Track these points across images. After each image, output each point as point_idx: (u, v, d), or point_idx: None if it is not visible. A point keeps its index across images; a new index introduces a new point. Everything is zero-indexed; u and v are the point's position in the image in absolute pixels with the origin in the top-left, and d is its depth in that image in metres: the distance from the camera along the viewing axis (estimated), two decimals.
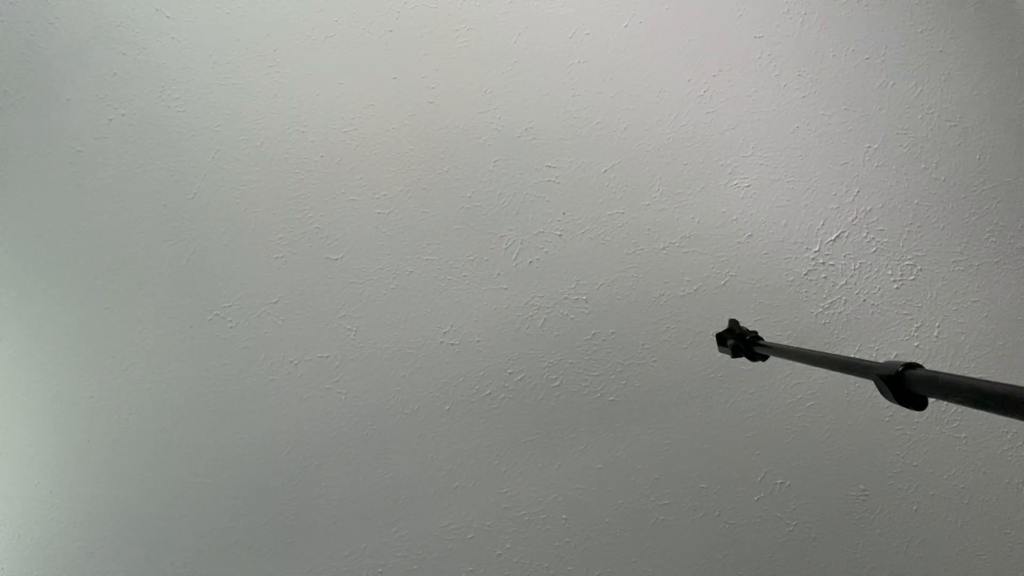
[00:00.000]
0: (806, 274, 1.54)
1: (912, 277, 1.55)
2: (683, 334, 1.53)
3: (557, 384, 1.51)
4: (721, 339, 1.10)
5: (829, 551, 1.49)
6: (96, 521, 1.47)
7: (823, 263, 1.55)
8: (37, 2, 1.54)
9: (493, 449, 1.49)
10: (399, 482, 1.48)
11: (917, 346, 1.53)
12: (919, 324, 1.54)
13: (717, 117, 1.58)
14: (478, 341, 1.52)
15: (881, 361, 0.62)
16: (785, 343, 1.12)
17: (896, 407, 0.61)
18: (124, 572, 1.46)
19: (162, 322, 1.50)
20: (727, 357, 1.10)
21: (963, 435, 1.51)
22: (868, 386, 0.64)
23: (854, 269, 1.55)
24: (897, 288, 1.54)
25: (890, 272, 1.54)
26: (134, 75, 1.54)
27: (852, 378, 1.45)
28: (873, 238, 1.55)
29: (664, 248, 1.55)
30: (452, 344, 1.51)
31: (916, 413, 1.48)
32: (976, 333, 1.54)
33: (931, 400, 0.56)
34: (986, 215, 1.56)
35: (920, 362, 0.58)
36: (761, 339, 1.02)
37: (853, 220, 1.56)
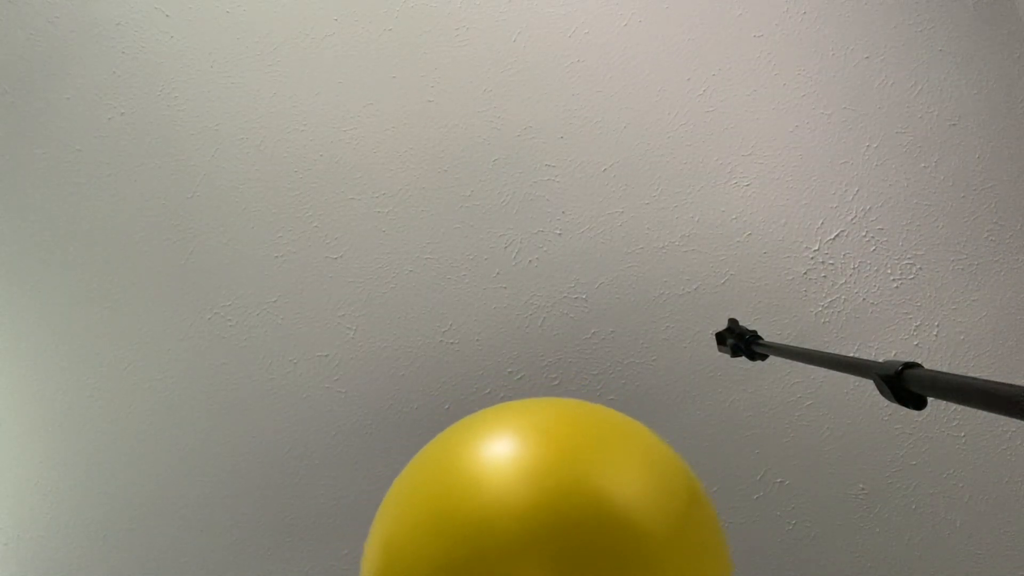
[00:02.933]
0: (805, 273, 1.54)
1: (911, 276, 1.55)
2: (682, 333, 1.53)
3: (557, 383, 1.51)
4: (720, 338, 1.10)
5: (828, 550, 1.49)
6: (95, 520, 1.47)
7: (822, 262, 1.55)
8: (37, 1, 1.54)
9: None
10: None
11: (916, 345, 1.53)
12: (918, 323, 1.54)
13: (716, 116, 1.57)
14: (477, 340, 1.52)
15: (880, 360, 0.62)
16: (785, 342, 1.12)
17: (895, 406, 0.61)
18: (123, 571, 1.46)
19: (161, 321, 1.50)
20: (727, 356, 1.10)
21: (962, 434, 1.51)
22: (868, 386, 0.64)
23: (853, 268, 1.55)
24: (896, 287, 1.54)
25: (889, 271, 1.54)
26: (134, 74, 1.54)
27: (852, 378, 1.45)
28: (872, 237, 1.55)
29: (663, 247, 1.55)
30: (452, 343, 1.51)
31: (915, 412, 1.48)
32: (976, 332, 1.54)
33: (930, 399, 0.56)
34: (986, 215, 1.56)
35: (919, 361, 0.58)
36: (760, 338, 1.02)
37: (852, 219, 1.56)
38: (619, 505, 0.56)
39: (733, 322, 1.10)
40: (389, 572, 0.59)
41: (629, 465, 0.61)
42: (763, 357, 1.02)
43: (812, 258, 1.55)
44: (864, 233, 1.55)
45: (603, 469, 0.59)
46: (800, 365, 1.49)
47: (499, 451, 0.62)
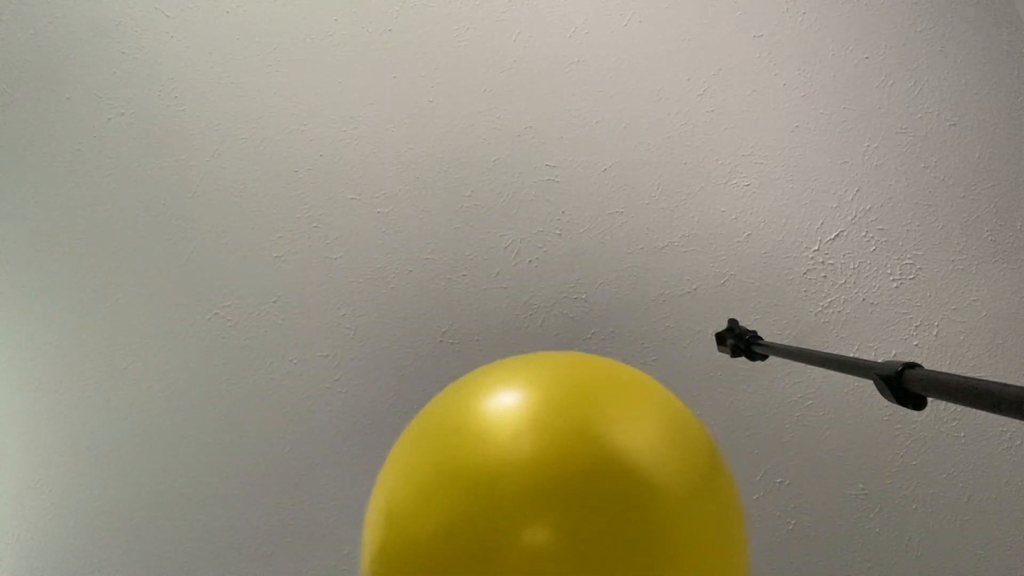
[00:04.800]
0: (805, 273, 1.54)
1: (911, 276, 1.55)
2: (682, 333, 1.53)
3: None
4: (720, 339, 1.10)
5: (828, 550, 1.49)
6: (95, 521, 1.47)
7: (822, 262, 1.55)
8: (37, 1, 1.54)
9: None
10: None
11: (916, 345, 1.53)
12: (918, 323, 1.54)
13: (716, 116, 1.57)
14: (477, 340, 1.52)
15: (880, 360, 0.62)
16: (784, 342, 1.12)
17: (895, 406, 0.61)
18: (123, 572, 1.46)
19: (161, 321, 1.50)
20: (727, 357, 1.10)
21: (962, 434, 1.51)
22: (867, 386, 0.64)
23: (853, 268, 1.55)
24: (896, 287, 1.54)
25: (889, 271, 1.54)
26: (134, 74, 1.54)
27: (851, 378, 1.45)
28: (872, 237, 1.55)
29: (663, 247, 1.55)
30: (452, 344, 1.51)
31: (915, 412, 1.48)
32: (975, 333, 1.54)
33: (930, 399, 0.56)
34: (986, 215, 1.56)
35: (919, 361, 0.58)
36: (760, 338, 1.02)
37: (852, 219, 1.56)
38: (632, 455, 0.51)
39: (733, 322, 1.10)
40: (390, 534, 0.55)
41: (645, 415, 0.57)
42: (763, 357, 1.02)
43: (812, 258, 1.55)
44: (864, 233, 1.55)
45: (614, 417, 0.54)
46: (800, 365, 1.49)
47: (503, 402, 0.57)
